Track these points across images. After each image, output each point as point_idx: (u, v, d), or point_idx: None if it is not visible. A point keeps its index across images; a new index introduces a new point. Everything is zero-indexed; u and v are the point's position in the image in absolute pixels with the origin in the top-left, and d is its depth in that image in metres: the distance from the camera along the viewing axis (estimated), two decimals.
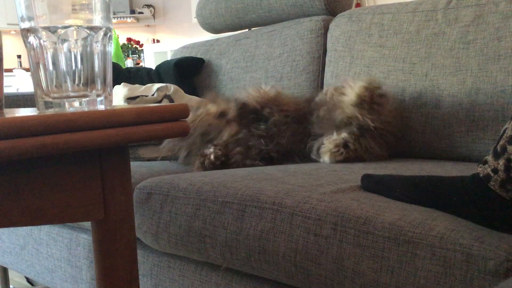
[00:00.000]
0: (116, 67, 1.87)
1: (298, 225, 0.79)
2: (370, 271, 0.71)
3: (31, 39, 0.64)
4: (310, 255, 0.77)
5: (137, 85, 1.58)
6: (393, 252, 0.69)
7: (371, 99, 1.15)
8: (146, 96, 1.50)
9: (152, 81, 1.84)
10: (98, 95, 0.66)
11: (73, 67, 0.64)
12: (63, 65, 0.64)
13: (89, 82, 0.66)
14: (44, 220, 0.61)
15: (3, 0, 6.24)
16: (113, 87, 1.51)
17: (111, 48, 0.69)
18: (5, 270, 1.73)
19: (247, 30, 1.89)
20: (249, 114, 1.28)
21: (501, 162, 0.64)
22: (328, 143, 1.15)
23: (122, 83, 1.56)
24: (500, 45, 1.14)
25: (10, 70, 5.56)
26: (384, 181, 0.82)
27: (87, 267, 1.24)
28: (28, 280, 1.87)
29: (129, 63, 5.76)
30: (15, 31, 6.45)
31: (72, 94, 0.65)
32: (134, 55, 6.23)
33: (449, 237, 0.66)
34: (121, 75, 1.85)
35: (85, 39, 0.64)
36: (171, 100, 1.52)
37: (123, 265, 0.68)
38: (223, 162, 1.19)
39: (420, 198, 0.75)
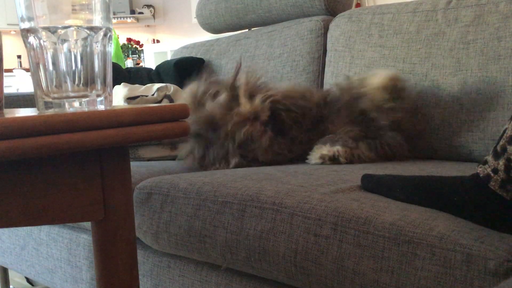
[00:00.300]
0: (116, 67, 1.87)
1: (298, 225, 0.79)
2: (370, 271, 0.71)
3: (31, 39, 0.64)
4: (310, 255, 0.77)
5: (137, 85, 1.58)
6: (393, 252, 0.69)
7: (395, 88, 1.14)
8: (146, 96, 1.50)
9: (152, 81, 1.84)
10: (98, 95, 0.66)
11: (73, 67, 0.64)
12: (63, 65, 0.64)
13: (89, 82, 0.66)
14: (44, 220, 0.61)
15: (3, 0, 6.24)
16: (113, 87, 1.51)
17: (111, 48, 0.69)
18: (5, 270, 1.73)
19: (247, 30, 1.89)
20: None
21: (501, 162, 0.64)
22: (316, 152, 1.14)
23: (122, 83, 1.56)
24: (500, 45, 1.14)
25: (10, 70, 5.56)
26: (384, 181, 0.82)
27: (87, 267, 1.24)
28: (28, 280, 1.87)
29: (129, 63, 5.76)
30: (15, 31, 6.45)
31: (72, 94, 0.65)
32: (134, 55, 6.23)
33: (449, 237, 0.66)
34: (121, 75, 1.85)
35: (85, 39, 0.64)
36: (171, 100, 1.52)
37: (123, 265, 0.68)
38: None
39: (420, 198, 0.75)
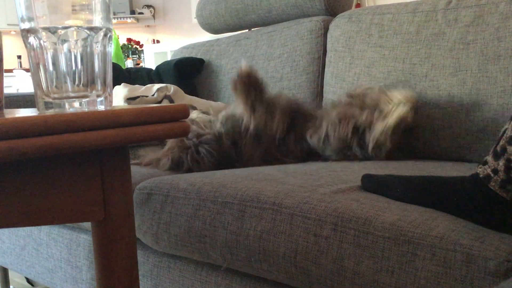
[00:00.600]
0: (116, 68, 1.87)
1: (298, 225, 0.79)
2: (370, 272, 0.71)
3: (31, 39, 0.64)
4: (310, 256, 0.77)
5: (137, 85, 1.58)
6: (393, 253, 0.69)
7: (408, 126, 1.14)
8: (146, 96, 1.50)
9: (152, 81, 1.84)
10: (98, 96, 0.66)
11: (73, 68, 0.64)
12: (63, 65, 0.64)
13: (89, 82, 0.66)
14: (44, 221, 0.61)
15: (3, 0, 6.24)
16: (113, 87, 1.51)
17: (111, 49, 0.69)
18: (5, 271, 1.73)
19: (247, 30, 1.90)
20: None
21: (501, 162, 0.64)
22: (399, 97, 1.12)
23: (122, 84, 1.56)
24: (500, 46, 1.14)
25: (10, 71, 5.56)
26: (384, 181, 0.82)
27: (87, 267, 1.24)
28: (28, 280, 1.87)
29: (129, 63, 5.76)
30: (15, 31, 6.45)
31: (72, 94, 0.65)
32: (134, 56, 6.24)
33: (449, 237, 0.66)
34: (121, 75, 1.85)
35: (85, 39, 0.64)
36: (171, 101, 1.52)
37: (123, 265, 0.68)
38: None
39: (420, 198, 0.75)
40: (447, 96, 1.20)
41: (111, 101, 0.69)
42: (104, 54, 0.67)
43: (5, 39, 6.24)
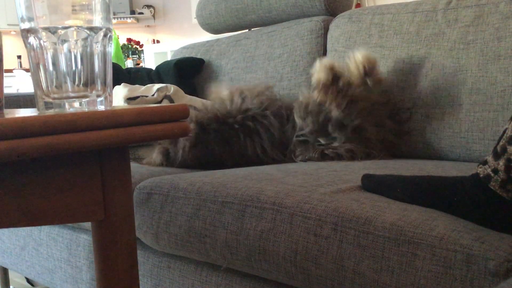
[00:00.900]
0: (116, 68, 1.87)
1: (298, 225, 0.79)
2: (370, 272, 0.71)
3: (31, 39, 0.64)
4: (310, 256, 0.77)
5: (137, 85, 1.58)
6: (393, 253, 0.69)
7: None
8: (146, 96, 1.50)
9: (152, 81, 1.84)
10: (98, 96, 0.66)
11: (73, 68, 0.64)
12: (63, 65, 0.64)
13: (89, 82, 0.66)
14: (44, 221, 0.61)
15: (3, 0, 6.24)
16: (113, 87, 1.51)
17: (111, 49, 0.69)
18: (5, 271, 1.73)
19: (247, 30, 1.89)
20: None
21: (501, 162, 0.64)
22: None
23: (122, 84, 1.56)
24: (500, 45, 1.14)
25: (10, 71, 5.56)
26: (385, 181, 0.82)
27: (87, 267, 1.24)
28: (28, 280, 1.87)
29: (129, 63, 5.76)
30: (15, 31, 6.45)
31: (72, 94, 0.65)
32: (134, 56, 6.24)
33: (450, 237, 0.66)
34: (121, 75, 1.85)
35: (85, 39, 0.64)
36: (171, 101, 1.52)
37: (123, 265, 0.68)
38: None
39: (421, 198, 0.75)
40: (447, 96, 1.20)
41: (111, 101, 0.69)
42: (104, 54, 0.67)
43: (5, 39, 6.24)
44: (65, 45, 0.63)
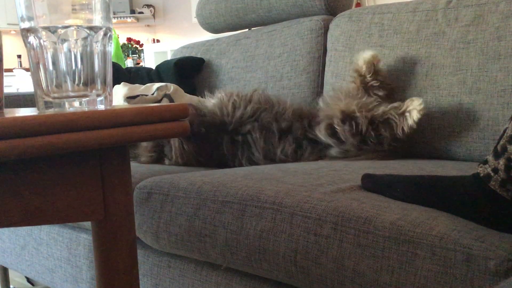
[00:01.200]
0: (116, 67, 1.87)
1: (298, 224, 0.79)
2: (371, 271, 0.71)
3: (31, 39, 0.64)
4: (310, 255, 0.77)
5: (137, 84, 1.58)
6: (393, 252, 0.69)
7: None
8: (146, 95, 1.50)
9: (152, 80, 1.84)
10: (98, 95, 0.66)
11: (73, 67, 0.64)
12: (63, 65, 0.64)
13: (89, 82, 0.65)
14: (44, 220, 0.61)
15: (3, 0, 6.24)
16: (113, 87, 1.51)
17: (111, 48, 0.69)
18: (5, 270, 1.73)
19: (247, 30, 1.89)
20: None
21: (502, 161, 0.64)
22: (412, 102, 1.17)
23: (122, 83, 1.56)
24: (500, 45, 1.14)
25: (10, 70, 5.56)
26: (385, 181, 0.82)
27: (87, 267, 1.24)
28: (28, 280, 1.87)
29: (129, 63, 5.76)
30: (15, 31, 6.45)
31: (72, 94, 0.65)
32: (134, 55, 6.24)
33: (450, 237, 0.66)
34: (121, 75, 1.85)
35: (85, 39, 0.64)
36: (171, 100, 1.52)
37: (123, 265, 0.68)
38: None
39: (421, 197, 0.75)
40: (447, 96, 1.19)
41: (111, 101, 0.69)
42: (104, 54, 0.66)
43: (5, 39, 6.24)
44: (65, 45, 0.63)
